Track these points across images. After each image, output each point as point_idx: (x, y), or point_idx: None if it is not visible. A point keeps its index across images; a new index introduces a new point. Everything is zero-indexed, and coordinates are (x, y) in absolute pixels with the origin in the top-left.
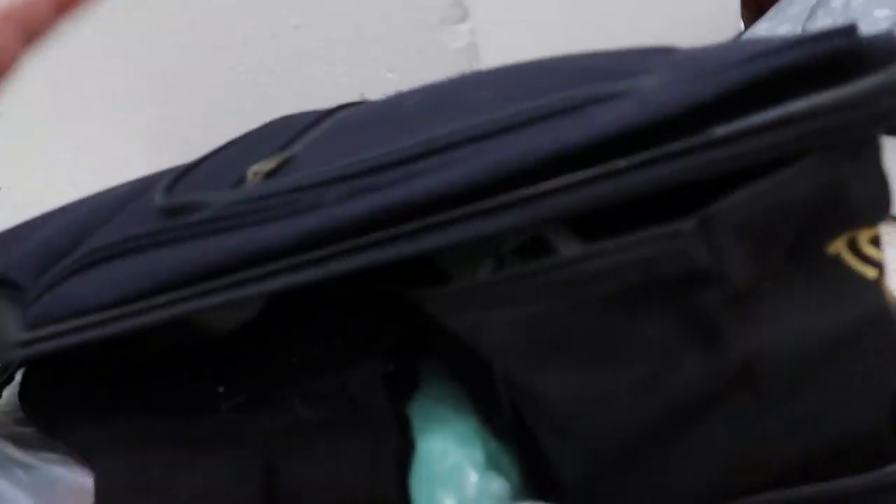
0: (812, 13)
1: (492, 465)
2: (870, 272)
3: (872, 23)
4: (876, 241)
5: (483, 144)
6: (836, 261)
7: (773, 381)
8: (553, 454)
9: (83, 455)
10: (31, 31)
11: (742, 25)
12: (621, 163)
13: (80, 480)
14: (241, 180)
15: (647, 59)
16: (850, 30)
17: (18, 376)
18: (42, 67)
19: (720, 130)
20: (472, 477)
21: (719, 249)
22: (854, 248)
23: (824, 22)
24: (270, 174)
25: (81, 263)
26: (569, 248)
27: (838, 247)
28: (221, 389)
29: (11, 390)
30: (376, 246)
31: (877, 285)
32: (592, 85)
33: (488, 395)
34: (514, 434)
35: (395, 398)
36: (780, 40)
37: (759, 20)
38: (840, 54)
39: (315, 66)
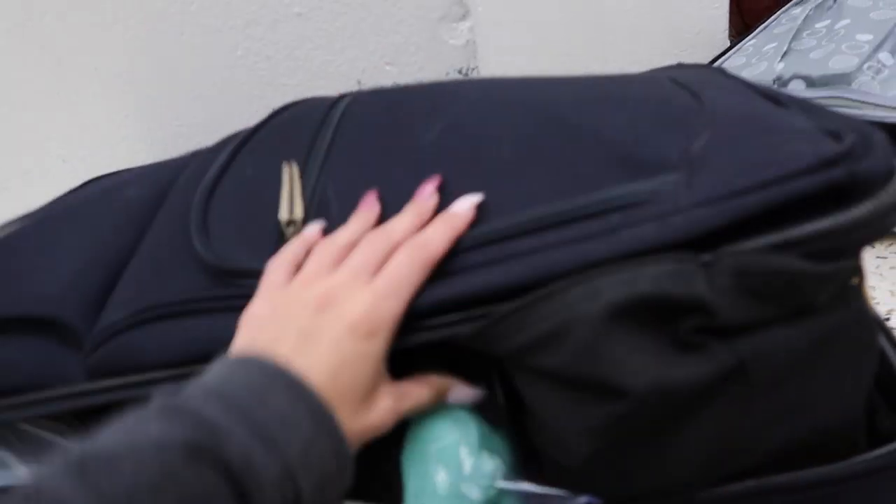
0: (798, 34)
1: (485, 445)
2: (854, 279)
3: (855, 46)
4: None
5: (514, 244)
6: None
7: (762, 377)
8: (550, 447)
9: (79, 419)
10: None
11: (729, 42)
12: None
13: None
14: (280, 237)
15: (671, 141)
16: (851, 151)
17: None
18: (41, 43)
19: (728, 251)
20: (467, 457)
21: (719, 288)
22: None
23: (809, 43)
24: (304, 220)
25: (139, 319)
26: None
27: None
28: None
29: None
30: (436, 328)
31: (859, 289)
32: (616, 177)
33: (483, 383)
34: (507, 418)
35: (391, 379)
36: (791, 156)
37: (747, 38)
38: (841, 184)
39: (315, 54)
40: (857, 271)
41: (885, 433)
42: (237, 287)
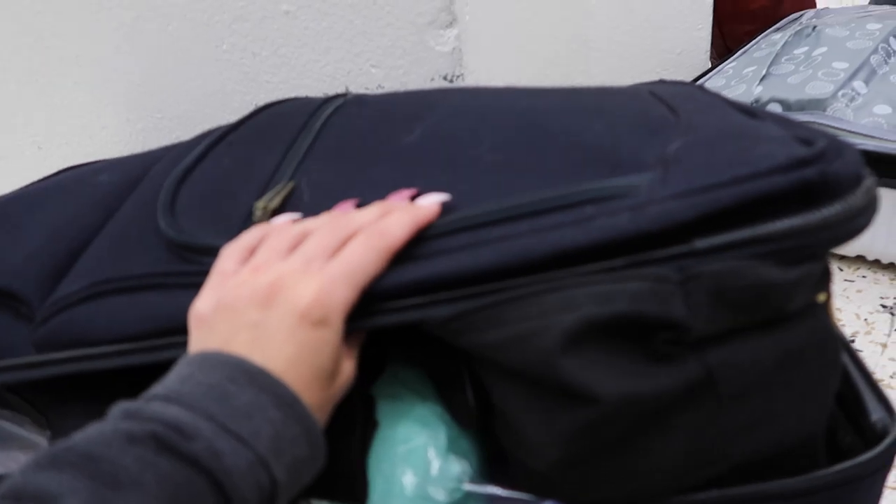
0: (776, 59)
1: (453, 448)
2: (821, 297)
3: (831, 73)
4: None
5: (484, 232)
6: None
7: (729, 389)
8: (517, 449)
9: (40, 411)
10: None
11: (710, 63)
12: (618, 262)
13: (32, 438)
14: (248, 216)
15: (647, 146)
16: (822, 154)
17: None
18: (23, 24)
19: (700, 243)
20: (434, 459)
21: (695, 306)
22: None
23: (787, 68)
24: (277, 211)
25: (93, 291)
26: None
27: None
28: None
29: None
30: (397, 311)
31: (826, 308)
32: (591, 176)
33: (454, 387)
34: (476, 421)
35: (361, 378)
36: (764, 157)
37: (727, 60)
38: (812, 183)
39: (301, 53)
40: (825, 289)
41: (846, 450)
42: (197, 264)
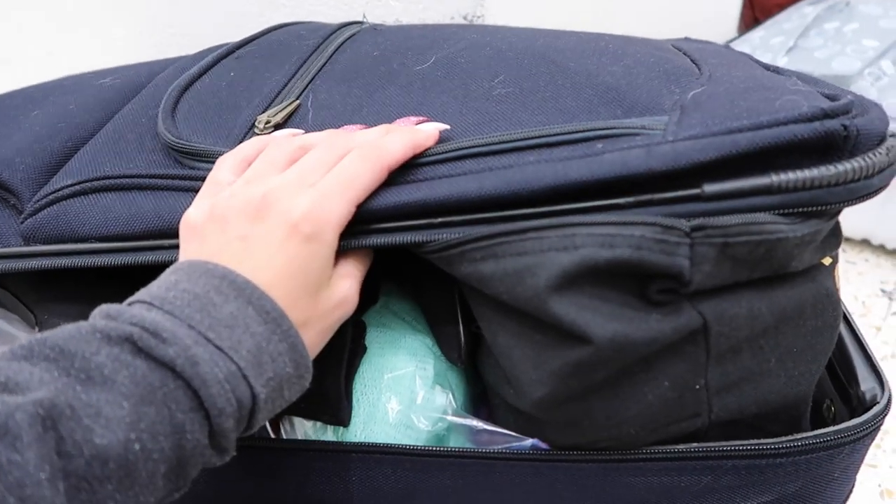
0: (805, 31)
1: (439, 380)
2: (826, 260)
3: (860, 50)
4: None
5: (490, 160)
6: None
7: (722, 340)
8: (504, 385)
9: (29, 308)
10: None
11: (737, 34)
12: (623, 201)
13: (20, 336)
14: (249, 128)
15: (665, 90)
16: (848, 109)
17: None
18: None
19: (710, 187)
20: (420, 389)
21: (698, 258)
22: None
23: (815, 42)
24: (279, 127)
25: (86, 187)
26: None
27: None
28: None
29: None
30: (393, 232)
31: (830, 272)
32: (605, 116)
33: (446, 321)
34: (466, 358)
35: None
36: (787, 106)
37: (755, 28)
38: (833, 136)
39: None
40: (832, 252)
41: (829, 420)
42: (192, 169)
